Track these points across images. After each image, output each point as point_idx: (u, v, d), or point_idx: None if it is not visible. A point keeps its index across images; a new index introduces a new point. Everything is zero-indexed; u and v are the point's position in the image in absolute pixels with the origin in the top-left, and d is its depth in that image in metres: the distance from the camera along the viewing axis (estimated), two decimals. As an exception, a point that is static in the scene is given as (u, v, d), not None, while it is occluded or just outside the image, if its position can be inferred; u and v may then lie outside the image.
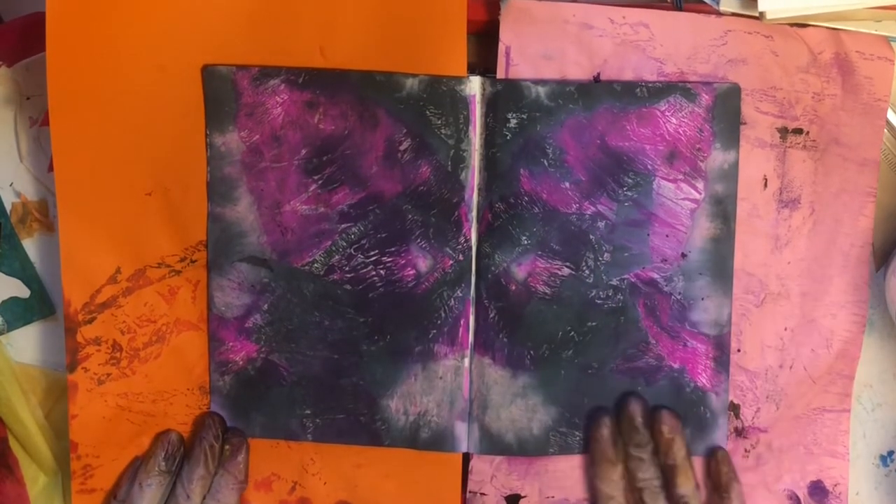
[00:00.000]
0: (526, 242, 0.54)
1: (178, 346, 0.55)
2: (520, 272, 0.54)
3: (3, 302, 0.56)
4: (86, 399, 0.55)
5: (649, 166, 0.54)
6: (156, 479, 0.54)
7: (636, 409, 0.54)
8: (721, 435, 0.55)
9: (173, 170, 0.54)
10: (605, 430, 0.54)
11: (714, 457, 0.55)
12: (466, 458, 0.56)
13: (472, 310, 0.55)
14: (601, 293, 0.55)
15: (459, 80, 0.53)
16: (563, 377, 0.55)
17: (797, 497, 0.57)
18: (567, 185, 0.54)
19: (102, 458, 0.55)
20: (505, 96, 0.53)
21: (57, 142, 0.53)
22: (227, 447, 0.54)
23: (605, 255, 0.54)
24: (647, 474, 0.54)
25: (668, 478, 0.54)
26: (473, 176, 0.54)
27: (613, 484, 0.54)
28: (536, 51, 0.53)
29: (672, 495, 0.54)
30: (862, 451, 0.58)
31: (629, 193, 0.54)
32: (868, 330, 0.57)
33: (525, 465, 0.56)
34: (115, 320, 0.54)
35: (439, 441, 0.55)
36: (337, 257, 0.54)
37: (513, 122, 0.53)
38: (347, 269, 0.54)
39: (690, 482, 0.54)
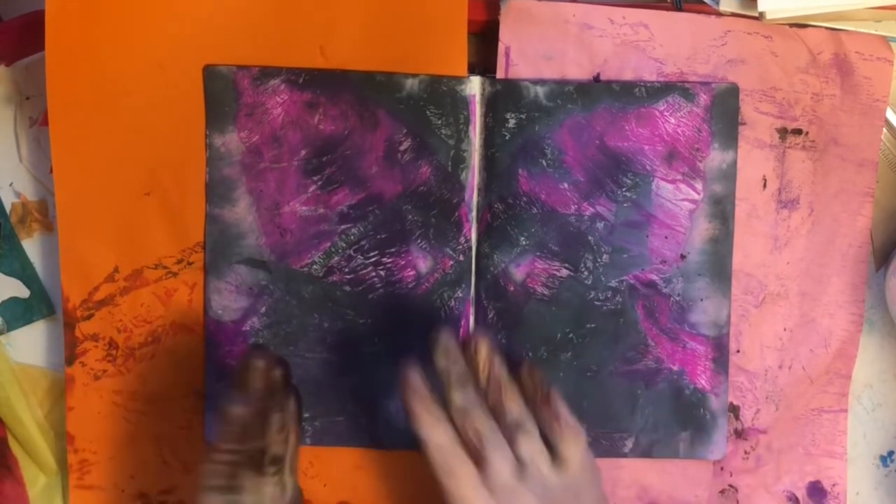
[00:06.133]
0: (524, 243, 0.54)
1: (173, 348, 0.55)
2: (518, 273, 0.54)
3: (3, 302, 0.56)
4: (82, 393, 0.55)
5: (648, 167, 0.54)
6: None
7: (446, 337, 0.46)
8: (721, 437, 0.55)
9: (172, 170, 0.54)
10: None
11: (523, 370, 0.47)
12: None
13: (471, 310, 0.54)
14: (600, 295, 0.55)
15: (459, 80, 0.53)
16: (562, 380, 0.55)
17: (796, 498, 0.57)
18: (566, 185, 0.54)
19: (100, 454, 0.55)
20: (504, 96, 0.53)
21: (56, 141, 0.53)
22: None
23: (604, 256, 0.54)
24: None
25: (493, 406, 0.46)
26: (474, 176, 0.54)
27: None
28: (536, 51, 0.53)
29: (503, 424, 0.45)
30: (862, 452, 0.58)
31: (628, 194, 0.54)
32: (868, 330, 0.57)
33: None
34: (113, 318, 0.54)
35: (439, 442, 0.55)
36: (336, 259, 0.54)
37: (511, 123, 0.53)
38: (347, 270, 0.54)
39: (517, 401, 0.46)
